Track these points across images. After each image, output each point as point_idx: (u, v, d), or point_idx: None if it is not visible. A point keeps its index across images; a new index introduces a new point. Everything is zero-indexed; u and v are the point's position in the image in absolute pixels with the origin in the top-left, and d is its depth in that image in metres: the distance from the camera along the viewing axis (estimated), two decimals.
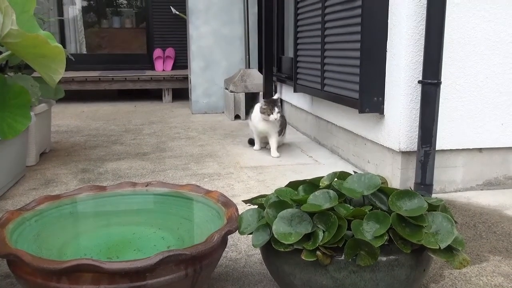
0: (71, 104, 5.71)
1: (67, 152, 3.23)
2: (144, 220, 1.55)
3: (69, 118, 4.75)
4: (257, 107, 2.99)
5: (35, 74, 2.67)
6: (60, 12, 6.60)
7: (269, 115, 2.83)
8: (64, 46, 6.54)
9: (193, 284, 1.19)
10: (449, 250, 1.15)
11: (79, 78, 5.74)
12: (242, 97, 4.53)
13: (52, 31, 6.39)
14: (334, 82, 2.80)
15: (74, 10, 6.76)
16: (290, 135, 3.80)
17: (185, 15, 5.31)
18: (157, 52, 6.64)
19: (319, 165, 2.86)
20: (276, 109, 2.83)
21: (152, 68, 6.65)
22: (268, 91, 4.37)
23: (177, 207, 1.55)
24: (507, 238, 1.79)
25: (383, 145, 2.40)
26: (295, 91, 3.57)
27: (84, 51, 6.87)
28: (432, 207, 1.23)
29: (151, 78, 5.94)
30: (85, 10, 6.91)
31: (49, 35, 1.90)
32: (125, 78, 5.88)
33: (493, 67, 2.27)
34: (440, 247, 1.12)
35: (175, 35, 6.59)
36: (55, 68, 1.87)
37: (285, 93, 4.26)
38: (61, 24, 6.61)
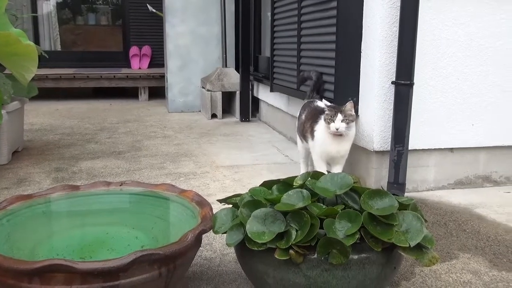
0: (45, 102, 5.62)
1: (41, 151, 3.18)
2: (118, 219, 1.54)
3: (43, 116, 4.68)
4: (321, 121, 2.19)
5: (6, 72, 2.63)
6: (34, 8, 6.48)
7: (329, 123, 2.08)
8: (38, 43, 6.42)
9: (166, 283, 1.19)
10: (419, 248, 1.17)
11: (53, 75, 5.65)
12: (219, 96, 4.53)
13: (26, 28, 6.27)
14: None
15: (48, 6, 6.65)
16: (267, 134, 3.82)
17: (162, 13, 5.28)
18: (133, 50, 6.57)
19: (295, 164, 2.88)
20: (340, 116, 2.04)
21: (128, 66, 6.58)
22: (245, 90, 4.38)
23: (151, 207, 1.55)
24: (476, 236, 1.84)
25: (357, 145, 2.43)
26: (271, 90, 3.58)
27: (59, 48, 6.76)
28: (403, 206, 1.26)
29: (127, 76, 5.88)
30: (59, 7, 6.80)
31: (21, 33, 1.88)
32: (101, 76, 5.81)
33: (464, 69, 2.32)
34: (410, 245, 1.15)
35: (152, 33, 6.53)
36: (27, 66, 1.85)
37: (262, 93, 4.27)
38: (35, 20, 6.49)
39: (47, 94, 5.67)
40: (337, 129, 2.06)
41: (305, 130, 2.32)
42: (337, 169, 2.22)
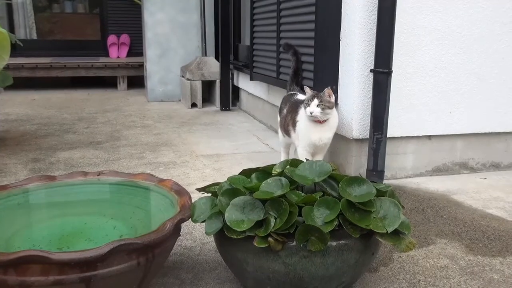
0: (21, 91, 5.51)
1: (17, 142, 3.12)
2: (96, 209, 1.53)
3: (19, 106, 4.59)
4: (302, 111, 2.16)
5: None
6: None
7: (305, 107, 2.06)
8: (13, 32, 6.29)
9: (145, 272, 1.18)
10: (396, 234, 1.19)
11: (29, 64, 5.54)
12: (198, 85, 4.50)
13: None
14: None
15: None
16: (247, 123, 3.81)
17: (140, 1, 5.21)
18: (112, 38, 6.47)
19: (275, 153, 2.88)
20: (316, 101, 2.02)
21: (106, 55, 6.48)
22: (225, 79, 4.36)
23: (130, 196, 1.54)
24: (453, 222, 1.87)
25: (337, 133, 2.43)
26: (251, 79, 3.57)
27: (35, 37, 6.62)
28: (381, 193, 1.27)
29: (105, 65, 5.80)
30: None
31: None
32: (78, 65, 5.72)
33: (442, 57, 2.34)
34: (387, 231, 1.16)
35: (130, 21, 6.44)
36: None
37: (242, 81, 4.26)
38: (9, 8, 6.34)
39: (23, 83, 5.56)
40: (311, 113, 2.03)
41: (287, 124, 2.30)
42: (318, 158, 2.21)
